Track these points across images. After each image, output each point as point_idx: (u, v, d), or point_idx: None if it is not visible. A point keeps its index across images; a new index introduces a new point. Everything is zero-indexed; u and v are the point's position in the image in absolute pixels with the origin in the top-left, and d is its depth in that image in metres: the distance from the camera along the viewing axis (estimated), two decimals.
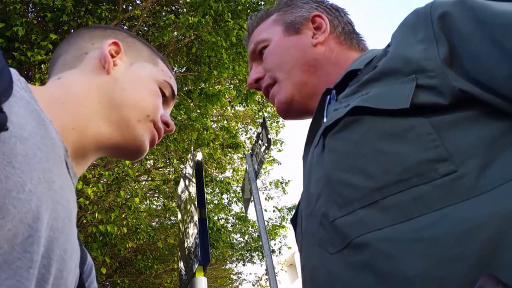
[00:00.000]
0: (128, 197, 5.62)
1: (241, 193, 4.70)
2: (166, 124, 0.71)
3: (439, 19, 0.50)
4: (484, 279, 0.35)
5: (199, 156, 3.19)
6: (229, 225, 9.22)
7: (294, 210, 0.70)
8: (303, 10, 0.78)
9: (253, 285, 11.33)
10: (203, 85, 5.44)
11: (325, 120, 0.60)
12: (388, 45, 0.59)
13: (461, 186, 0.42)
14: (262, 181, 10.29)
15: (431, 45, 0.49)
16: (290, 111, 0.75)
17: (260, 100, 6.85)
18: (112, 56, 0.66)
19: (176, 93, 0.75)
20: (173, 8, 5.65)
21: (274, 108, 0.80)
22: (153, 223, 8.10)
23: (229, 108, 7.37)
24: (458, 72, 0.47)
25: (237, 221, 9.22)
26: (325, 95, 0.65)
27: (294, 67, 0.73)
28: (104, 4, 4.45)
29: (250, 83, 0.79)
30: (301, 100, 0.72)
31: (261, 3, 5.48)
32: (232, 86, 6.35)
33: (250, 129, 8.90)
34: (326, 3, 0.81)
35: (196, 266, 2.56)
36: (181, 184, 3.74)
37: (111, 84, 0.64)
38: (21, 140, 0.43)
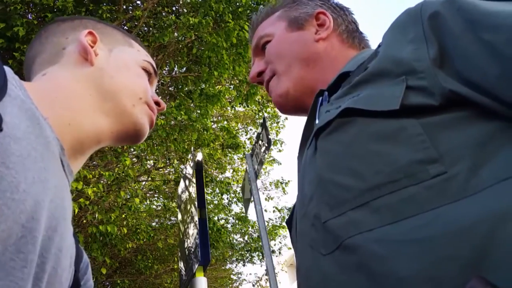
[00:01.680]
0: (128, 197, 5.61)
1: (241, 194, 4.69)
2: (157, 103, 0.71)
3: (429, 19, 0.49)
4: (474, 281, 0.34)
5: (199, 157, 3.19)
6: (229, 226, 9.21)
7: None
8: (308, 7, 0.79)
9: (253, 285, 11.33)
10: (204, 85, 5.44)
11: (317, 121, 0.61)
12: (379, 45, 0.58)
13: (452, 187, 0.41)
14: (262, 182, 10.29)
15: (421, 45, 0.49)
16: (286, 106, 0.75)
17: (260, 100, 6.85)
18: (91, 46, 0.66)
19: (157, 70, 0.75)
20: (174, 9, 5.65)
21: (275, 109, 0.80)
22: (153, 224, 8.09)
23: (229, 108, 7.35)
24: (448, 72, 0.46)
25: (237, 221, 9.21)
26: (317, 97, 0.65)
27: (295, 61, 0.73)
28: (105, 4, 4.45)
29: (253, 76, 0.79)
30: (297, 94, 0.72)
31: (261, 4, 5.48)
32: (232, 86, 6.34)
33: (250, 129, 8.89)
34: (331, 2, 0.82)
35: (196, 266, 2.56)
36: (181, 185, 3.74)
37: (98, 74, 0.64)
38: (15, 140, 0.43)
